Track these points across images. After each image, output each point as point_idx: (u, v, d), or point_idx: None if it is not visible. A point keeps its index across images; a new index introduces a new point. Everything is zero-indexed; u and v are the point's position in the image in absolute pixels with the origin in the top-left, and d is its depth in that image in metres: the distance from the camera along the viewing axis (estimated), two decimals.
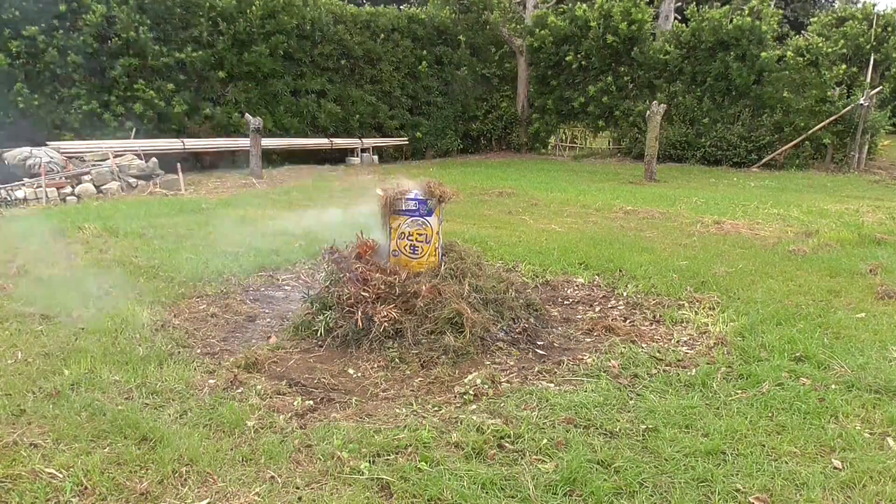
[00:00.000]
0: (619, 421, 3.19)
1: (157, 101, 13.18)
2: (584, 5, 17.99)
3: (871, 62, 15.39)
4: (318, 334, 4.20)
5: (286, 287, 5.58)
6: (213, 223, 7.87)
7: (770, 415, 3.26)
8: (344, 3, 16.89)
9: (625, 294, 5.34)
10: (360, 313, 4.15)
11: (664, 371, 3.83)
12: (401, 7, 20.00)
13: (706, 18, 16.71)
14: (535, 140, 19.81)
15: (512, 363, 3.99)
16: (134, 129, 12.91)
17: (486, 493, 2.61)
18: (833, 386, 3.57)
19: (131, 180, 10.98)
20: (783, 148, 15.90)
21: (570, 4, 18.65)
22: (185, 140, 13.26)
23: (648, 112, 13.74)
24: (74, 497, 2.55)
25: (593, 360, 3.97)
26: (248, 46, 14.48)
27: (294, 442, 2.96)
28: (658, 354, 4.06)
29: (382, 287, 4.27)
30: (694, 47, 17.05)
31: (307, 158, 15.63)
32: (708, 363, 3.90)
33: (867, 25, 15.71)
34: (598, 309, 5.06)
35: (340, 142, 16.15)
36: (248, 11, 14.30)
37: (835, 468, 2.81)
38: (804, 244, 7.10)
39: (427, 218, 4.45)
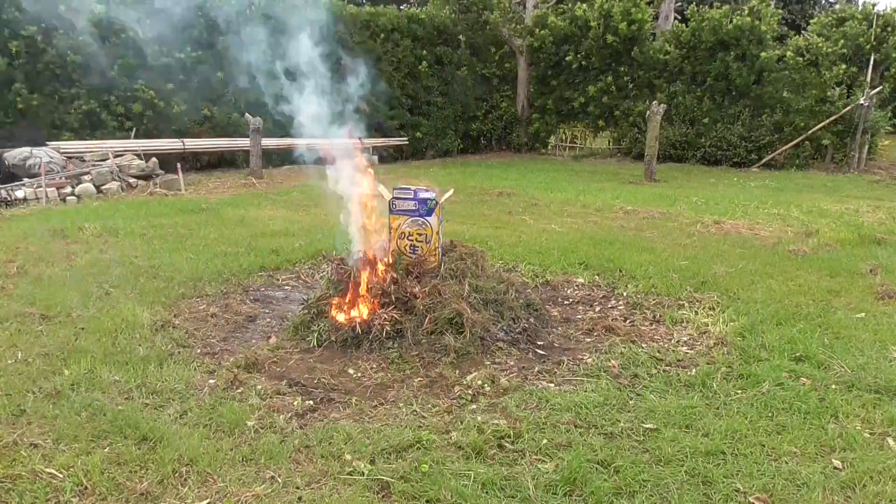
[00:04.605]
0: (619, 421, 3.19)
1: (156, 101, 13.19)
2: (584, 5, 17.98)
3: (871, 62, 15.38)
4: (313, 344, 4.19)
5: (286, 287, 5.58)
6: (213, 223, 7.87)
7: (770, 415, 3.26)
8: (344, 3, 16.88)
9: (625, 294, 5.34)
10: (358, 319, 4.15)
11: (664, 371, 3.83)
12: (401, 7, 19.99)
13: (706, 18, 16.69)
14: (535, 140, 19.79)
15: (512, 363, 3.99)
16: (134, 129, 12.90)
17: (486, 493, 2.61)
18: (833, 386, 3.57)
19: (131, 180, 10.98)
20: (783, 148, 15.89)
21: (570, 4, 18.63)
22: (185, 140, 13.26)
23: (648, 112, 13.73)
24: (74, 497, 2.55)
25: (593, 360, 3.97)
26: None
27: (294, 442, 2.96)
28: (658, 354, 4.06)
29: (380, 292, 4.27)
30: (694, 47, 17.04)
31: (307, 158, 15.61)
32: (708, 363, 3.90)
33: (867, 25, 15.70)
34: (598, 309, 5.07)
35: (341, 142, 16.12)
36: (247, 11, 14.29)
37: (835, 468, 2.81)
38: (804, 244, 7.10)
39: (427, 218, 4.45)
